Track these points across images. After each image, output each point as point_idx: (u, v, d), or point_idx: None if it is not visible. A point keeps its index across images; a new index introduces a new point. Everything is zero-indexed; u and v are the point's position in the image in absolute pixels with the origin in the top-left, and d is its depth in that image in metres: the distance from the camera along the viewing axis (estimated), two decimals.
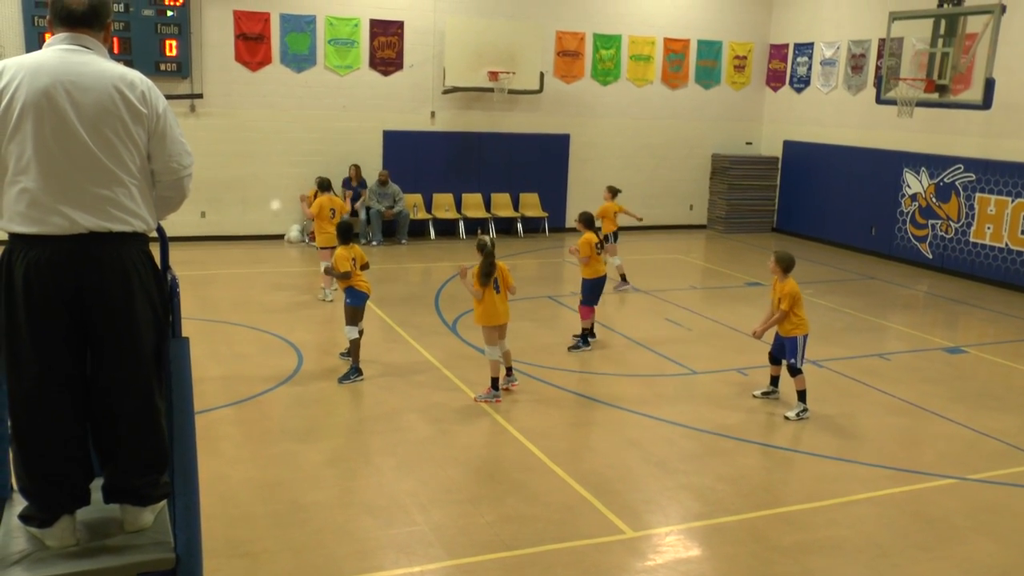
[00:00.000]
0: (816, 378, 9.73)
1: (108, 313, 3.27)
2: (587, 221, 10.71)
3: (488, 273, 8.61)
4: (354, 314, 9.22)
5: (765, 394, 9.04)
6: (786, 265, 8.61)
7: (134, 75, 3.35)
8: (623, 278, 13.86)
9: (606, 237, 13.53)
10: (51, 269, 3.19)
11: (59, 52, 3.27)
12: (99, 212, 3.23)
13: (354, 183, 16.71)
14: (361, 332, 9.37)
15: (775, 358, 8.90)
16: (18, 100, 3.16)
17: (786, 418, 8.55)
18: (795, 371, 8.59)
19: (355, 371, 9.20)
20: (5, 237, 3.27)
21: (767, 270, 9.02)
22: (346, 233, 9.46)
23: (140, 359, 3.35)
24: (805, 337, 8.59)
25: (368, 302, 9.45)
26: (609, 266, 11.70)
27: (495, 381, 8.72)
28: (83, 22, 3.32)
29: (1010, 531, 6.50)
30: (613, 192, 14.27)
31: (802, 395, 8.62)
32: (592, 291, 10.58)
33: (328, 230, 12.47)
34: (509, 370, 8.97)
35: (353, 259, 9.19)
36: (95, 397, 3.37)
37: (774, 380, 9.01)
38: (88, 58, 3.28)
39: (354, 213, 16.39)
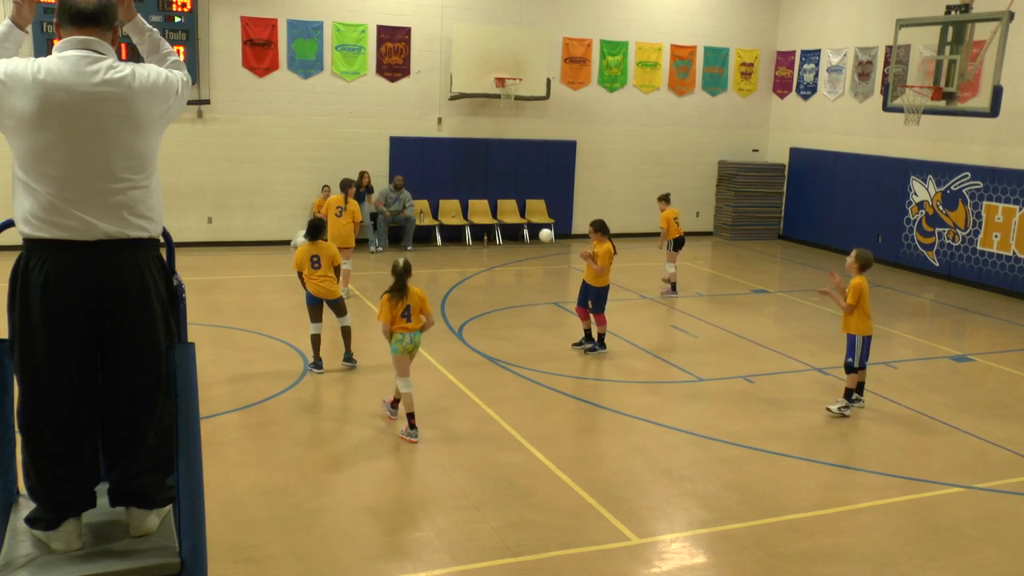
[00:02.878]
0: (822, 386, 9.72)
1: (125, 318, 3.29)
2: (602, 228, 10.52)
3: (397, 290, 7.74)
4: (309, 313, 9.55)
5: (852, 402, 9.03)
6: (863, 263, 8.74)
7: (144, 74, 3.36)
8: (674, 286, 14.03)
9: (676, 242, 13.78)
10: (69, 274, 3.20)
11: (71, 59, 3.27)
12: (115, 218, 3.25)
13: (362, 188, 16.68)
14: (348, 327, 9.68)
15: (848, 367, 8.90)
16: (34, 108, 3.17)
17: (828, 410, 8.80)
18: (851, 369, 8.75)
19: (314, 364, 9.56)
20: (19, 242, 3.29)
21: (844, 267, 9.07)
22: (311, 230, 9.58)
23: (153, 363, 3.37)
24: (866, 339, 8.72)
25: (374, 308, 9.47)
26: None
27: (411, 416, 7.87)
28: (92, 21, 3.33)
29: (1018, 540, 6.47)
30: (667, 199, 14.20)
31: (848, 393, 8.84)
32: (604, 298, 10.58)
33: (332, 229, 12.64)
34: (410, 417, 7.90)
35: (314, 257, 9.36)
36: (105, 400, 3.39)
37: (860, 388, 9.01)
38: (100, 64, 3.28)
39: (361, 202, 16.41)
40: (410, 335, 7.72)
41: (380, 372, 9.58)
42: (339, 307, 9.61)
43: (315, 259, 9.40)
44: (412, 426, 7.79)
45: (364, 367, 9.71)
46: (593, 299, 10.55)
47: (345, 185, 13.03)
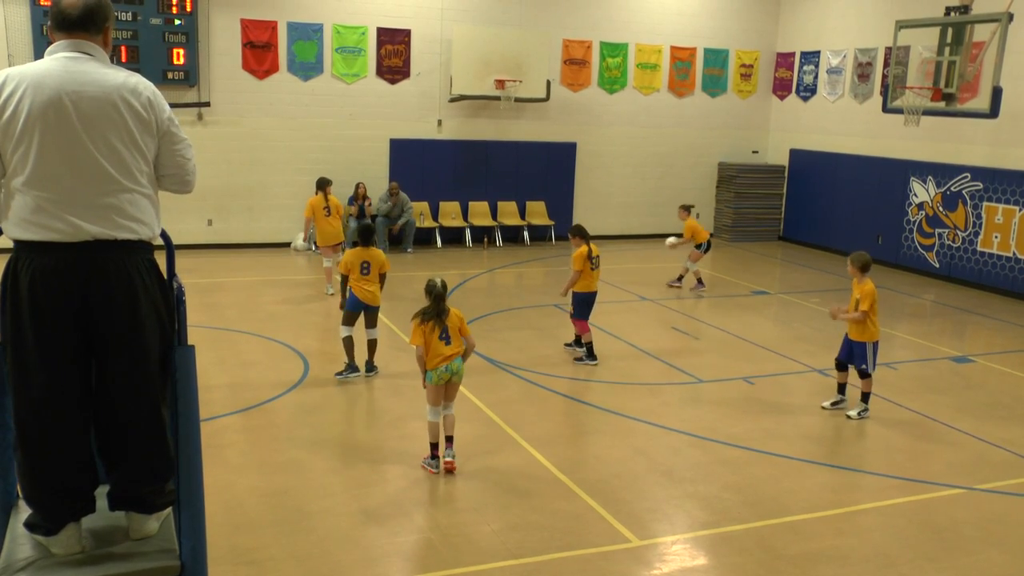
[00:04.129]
0: (823, 388, 9.70)
1: (113, 321, 3.28)
2: (581, 233, 10.29)
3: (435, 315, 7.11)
4: (346, 316, 9.36)
5: (834, 404, 9.02)
6: (861, 265, 8.73)
7: (137, 81, 3.36)
8: (699, 280, 14.53)
9: (700, 245, 14.22)
10: (56, 277, 3.19)
11: (61, 61, 3.27)
12: (103, 220, 3.23)
13: (359, 201, 16.71)
14: (375, 340, 9.48)
15: (843, 364, 8.93)
16: (22, 111, 3.16)
17: (848, 417, 8.73)
18: (865, 375, 8.75)
19: (349, 368, 9.39)
20: (11, 245, 3.28)
21: (845, 273, 9.16)
22: (363, 235, 9.40)
23: (145, 367, 3.35)
24: (876, 344, 8.71)
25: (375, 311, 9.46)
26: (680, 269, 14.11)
27: (434, 447, 7.32)
28: (79, 26, 3.33)
29: (1019, 541, 6.47)
30: (688, 209, 14.74)
31: (866, 396, 8.81)
32: (582, 305, 10.28)
33: (325, 229, 12.96)
34: (449, 440, 7.33)
35: (364, 263, 9.19)
36: (100, 405, 3.37)
37: (841, 388, 9.03)
38: (90, 66, 3.28)
39: (361, 215, 16.50)
40: (445, 365, 7.02)
41: (383, 377, 9.58)
42: (373, 317, 9.41)
43: (365, 265, 9.19)
44: (434, 456, 7.23)
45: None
46: (574, 304, 10.39)
47: (323, 184, 13.24)
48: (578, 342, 10.60)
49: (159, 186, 3.53)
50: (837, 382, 9.07)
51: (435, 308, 7.05)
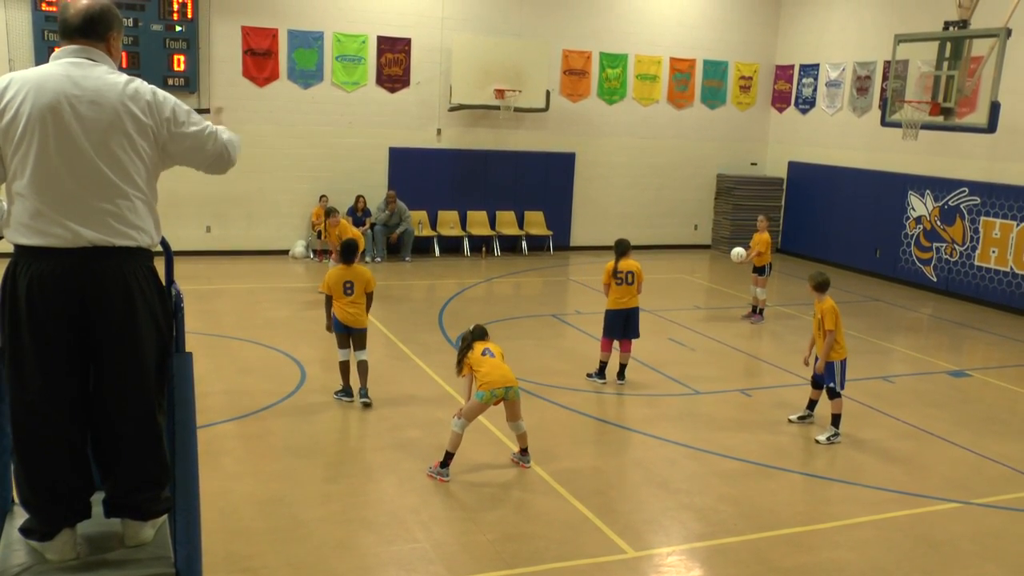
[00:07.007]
0: (820, 400, 9.69)
1: (110, 327, 3.27)
2: (616, 247, 9.93)
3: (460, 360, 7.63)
4: (339, 339, 8.94)
5: (801, 418, 8.98)
6: (815, 284, 8.69)
7: (138, 85, 3.36)
8: (761, 311, 13.49)
9: (760, 269, 13.28)
10: (53, 282, 3.19)
11: (64, 65, 3.29)
12: (102, 226, 3.23)
13: (359, 213, 16.74)
14: (364, 362, 8.94)
15: (817, 382, 8.82)
16: (23, 114, 3.18)
17: (817, 441, 8.53)
18: (834, 395, 8.57)
19: (343, 392, 9.03)
20: (12, 250, 3.28)
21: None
22: (346, 252, 8.99)
23: (142, 374, 3.35)
24: (843, 362, 8.58)
25: (372, 318, 9.42)
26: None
27: (449, 456, 7.36)
28: (80, 32, 3.36)
29: (1015, 556, 6.46)
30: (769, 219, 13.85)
31: (836, 419, 8.59)
32: (606, 322, 9.99)
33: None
34: (524, 451, 7.72)
35: (347, 283, 8.72)
36: (97, 411, 3.36)
37: (811, 404, 8.95)
38: (92, 71, 3.30)
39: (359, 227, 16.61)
40: (504, 388, 7.32)
41: (380, 383, 9.56)
42: (360, 339, 8.88)
43: (348, 285, 8.70)
44: (445, 464, 7.27)
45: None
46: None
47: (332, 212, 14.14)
48: (600, 372, 10.13)
49: (207, 170, 3.74)
50: (809, 398, 9.00)
51: (462, 347, 7.69)
